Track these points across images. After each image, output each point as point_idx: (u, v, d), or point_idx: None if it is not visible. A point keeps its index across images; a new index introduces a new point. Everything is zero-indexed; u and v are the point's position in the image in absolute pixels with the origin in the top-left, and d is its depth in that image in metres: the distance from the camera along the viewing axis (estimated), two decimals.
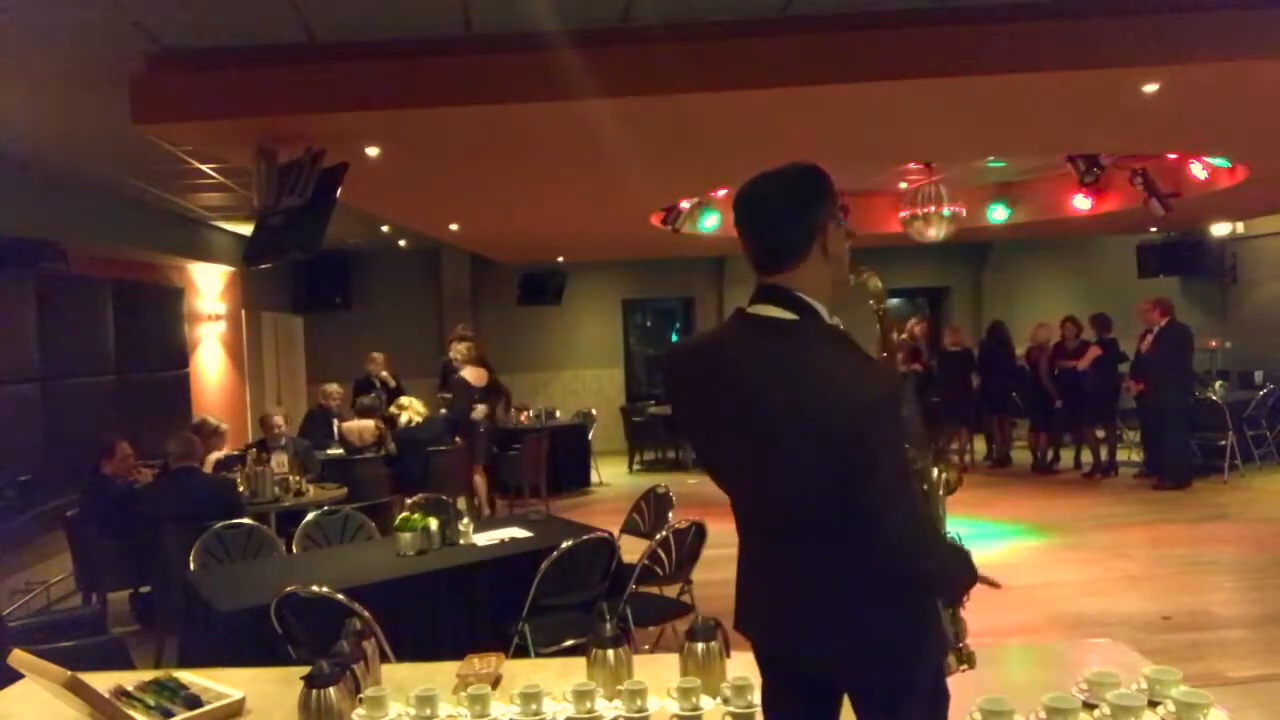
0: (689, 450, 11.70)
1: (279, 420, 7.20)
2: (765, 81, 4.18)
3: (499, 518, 6.88)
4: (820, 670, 1.76)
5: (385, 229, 10.13)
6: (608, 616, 2.54)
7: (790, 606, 1.77)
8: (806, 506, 1.69)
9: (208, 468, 6.28)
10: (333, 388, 8.76)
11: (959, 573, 1.74)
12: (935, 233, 8.28)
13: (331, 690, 2.16)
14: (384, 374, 9.64)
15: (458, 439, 8.30)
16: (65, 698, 2.23)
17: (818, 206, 1.75)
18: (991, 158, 7.84)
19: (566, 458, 10.19)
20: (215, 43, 4.09)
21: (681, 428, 1.93)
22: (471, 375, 8.65)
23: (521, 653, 3.80)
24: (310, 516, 5.12)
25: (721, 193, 8.69)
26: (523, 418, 10.81)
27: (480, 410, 8.65)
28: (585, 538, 4.18)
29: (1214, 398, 9.38)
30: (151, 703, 2.36)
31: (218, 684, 2.45)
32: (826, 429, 1.60)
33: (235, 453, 7.05)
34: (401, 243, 11.56)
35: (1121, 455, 10.09)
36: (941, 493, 1.88)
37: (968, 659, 1.85)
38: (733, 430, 1.75)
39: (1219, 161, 7.32)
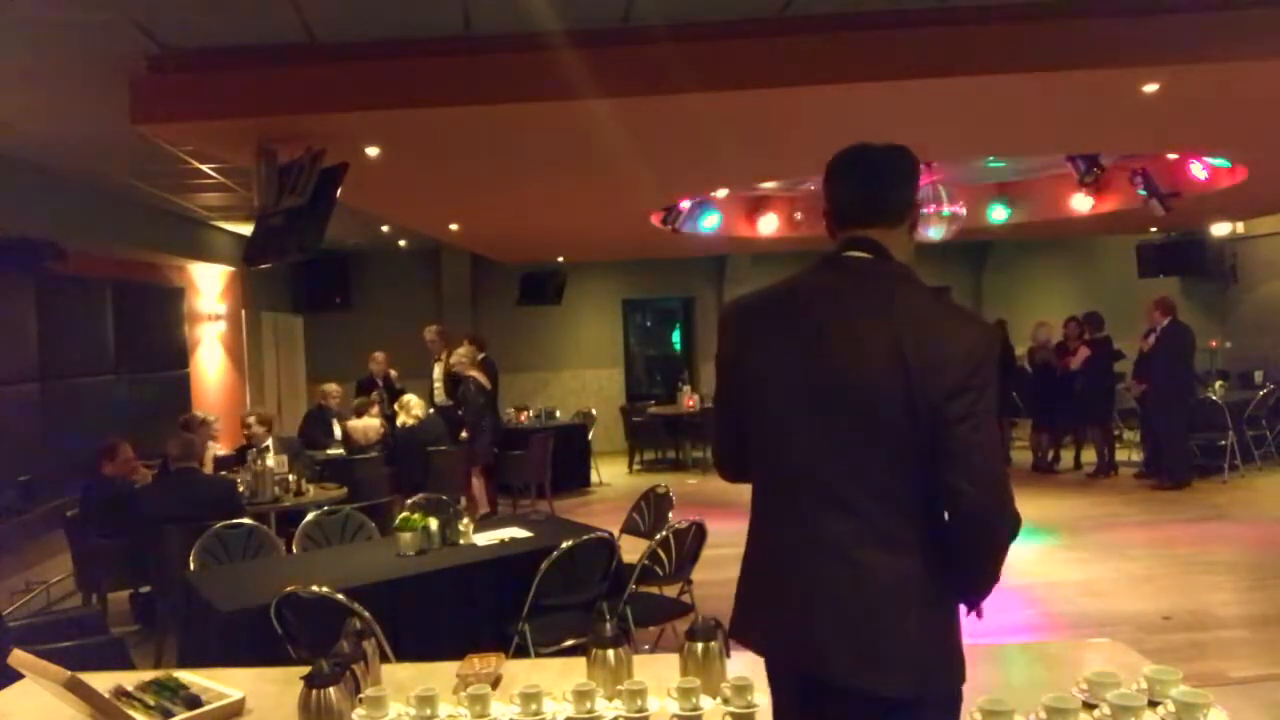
0: (689, 450, 11.72)
1: (251, 420, 7.17)
2: (765, 81, 4.18)
3: (499, 517, 6.87)
4: (868, 683, 1.63)
5: (385, 229, 10.12)
6: (608, 616, 2.54)
7: (835, 612, 1.66)
8: (890, 450, 1.65)
9: (206, 465, 6.28)
10: (332, 387, 8.75)
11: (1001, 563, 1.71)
12: (935, 233, 8.28)
13: (331, 690, 2.16)
14: (387, 373, 9.64)
15: (464, 434, 8.29)
16: (65, 698, 2.22)
17: (915, 180, 1.85)
18: (991, 158, 7.84)
19: (567, 458, 10.16)
20: (215, 43, 4.09)
21: (742, 386, 1.79)
22: (480, 377, 8.64)
23: (521, 653, 3.80)
24: (310, 516, 5.12)
25: (722, 193, 8.70)
26: (523, 418, 10.81)
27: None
28: (585, 538, 4.18)
29: (1214, 398, 9.37)
30: (151, 703, 2.35)
31: (218, 684, 2.45)
32: (936, 364, 1.62)
33: (233, 452, 7.04)
34: (401, 243, 11.56)
35: (1121, 455, 10.08)
36: None
37: None
38: (815, 372, 1.71)
39: (1219, 161, 7.32)
